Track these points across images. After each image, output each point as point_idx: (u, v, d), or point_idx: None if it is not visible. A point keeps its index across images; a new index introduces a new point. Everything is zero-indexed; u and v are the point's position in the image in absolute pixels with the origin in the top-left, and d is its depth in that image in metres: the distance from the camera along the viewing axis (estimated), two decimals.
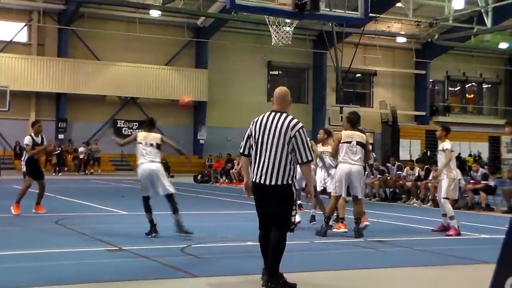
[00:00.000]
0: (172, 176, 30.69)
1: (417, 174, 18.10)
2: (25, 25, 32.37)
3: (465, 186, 16.23)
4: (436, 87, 42.45)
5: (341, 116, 29.88)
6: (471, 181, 16.56)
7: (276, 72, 38.50)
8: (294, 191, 5.80)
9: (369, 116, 35.64)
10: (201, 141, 35.13)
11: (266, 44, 34.39)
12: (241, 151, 5.94)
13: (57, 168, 30.01)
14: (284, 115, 5.79)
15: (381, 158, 30.32)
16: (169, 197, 8.96)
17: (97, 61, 33.25)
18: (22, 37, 32.57)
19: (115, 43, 33.18)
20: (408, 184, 18.05)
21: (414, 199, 17.67)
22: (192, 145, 34.75)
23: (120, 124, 34.06)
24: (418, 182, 17.73)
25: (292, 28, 16.28)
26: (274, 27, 13.44)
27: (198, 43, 35.26)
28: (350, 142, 9.68)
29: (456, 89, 43.43)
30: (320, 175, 11.06)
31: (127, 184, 23.64)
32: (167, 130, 34.42)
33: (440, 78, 41.89)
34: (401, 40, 36.54)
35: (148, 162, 9.11)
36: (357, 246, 8.69)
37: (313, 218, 11.01)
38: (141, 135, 9.32)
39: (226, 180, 26.89)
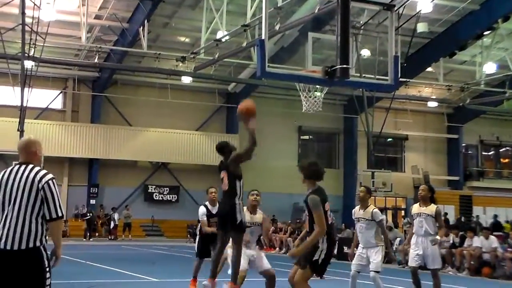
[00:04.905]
0: None
1: (451, 241, 17.66)
2: (60, 92, 33.09)
3: (503, 254, 15.75)
4: (469, 152, 41.92)
5: (373, 181, 29.67)
6: (509, 249, 16.08)
7: (307, 137, 38.50)
8: (44, 254, 4.95)
9: (401, 181, 35.23)
10: None
11: (297, 109, 34.42)
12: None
13: (88, 234, 30.05)
14: (30, 166, 5.08)
15: None
16: None
17: (129, 127, 33.67)
18: (57, 104, 33.27)
19: (147, 109, 33.62)
20: (443, 251, 17.60)
21: (449, 267, 17.18)
22: None
23: (151, 190, 34.17)
24: (453, 250, 17.28)
25: (323, 94, 16.31)
26: (305, 93, 13.44)
27: (229, 109, 35.52)
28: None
29: (490, 153, 42.81)
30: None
31: (158, 250, 23.47)
32: (198, 195, 34.42)
33: (473, 143, 41.39)
34: (432, 104, 36.37)
35: None
36: None
37: None
38: None
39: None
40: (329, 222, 7.04)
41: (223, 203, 7.94)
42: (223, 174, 7.96)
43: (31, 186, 4.97)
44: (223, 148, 8.03)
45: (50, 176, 5.06)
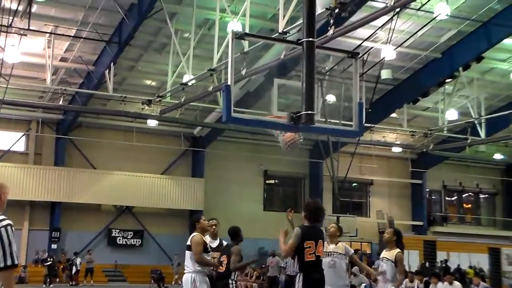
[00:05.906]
0: (166, 287, 30.01)
1: (416, 287, 17.65)
2: (23, 134, 32.61)
3: None
4: (433, 197, 42.31)
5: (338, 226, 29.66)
6: None
7: (273, 181, 38.47)
8: None
9: (366, 226, 35.29)
10: None
11: (263, 153, 34.63)
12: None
13: (48, 280, 29.31)
14: None
15: None
16: None
17: (93, 170, 33.24)
18: (19, 147, 32.74)
19: (111, 152, 33.32)
20: None
21: None
22: None
23: (115, 234, 33.61)
24: None
25: None
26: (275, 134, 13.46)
27: (194, 152, 35.41)
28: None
29: (453, 199, 43.26)
30: None
31: None
32: (162, 240, 34.06)
33: (436, 188, 41.83)
34: (396, 150, 36.79)
35: None
36: None
37: None
38: None
39: None
40: (308, 260, 7.35)
41: (216, 282, 8.70)
42: (224, 258, 8.76)
43: None
44: (235, 234, 9.13)
45: (4, 223, 4.83)
